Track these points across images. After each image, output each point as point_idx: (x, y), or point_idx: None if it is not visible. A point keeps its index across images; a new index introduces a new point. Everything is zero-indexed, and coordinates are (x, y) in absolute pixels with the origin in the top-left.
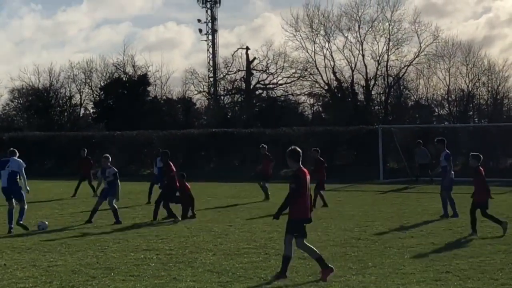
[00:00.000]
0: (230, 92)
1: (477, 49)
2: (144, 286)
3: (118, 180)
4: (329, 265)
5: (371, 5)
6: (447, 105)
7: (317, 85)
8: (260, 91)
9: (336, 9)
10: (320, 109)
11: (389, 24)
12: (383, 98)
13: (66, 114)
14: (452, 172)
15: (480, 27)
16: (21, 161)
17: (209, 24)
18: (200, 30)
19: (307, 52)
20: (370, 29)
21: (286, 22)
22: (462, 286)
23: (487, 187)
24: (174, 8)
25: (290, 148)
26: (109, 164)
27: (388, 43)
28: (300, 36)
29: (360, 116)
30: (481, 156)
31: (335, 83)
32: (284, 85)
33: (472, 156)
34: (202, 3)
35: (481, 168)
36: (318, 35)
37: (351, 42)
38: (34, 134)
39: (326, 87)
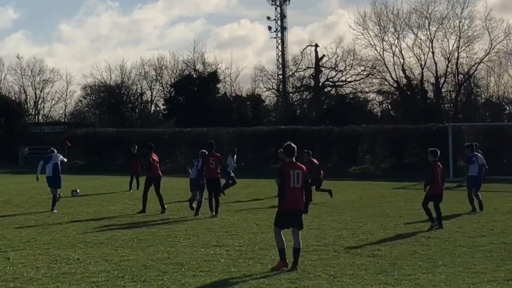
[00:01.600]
0: (298, 89)
1: None
2: (214, 282)
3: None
4: (286, 261)
5: (441, 2)
6: None
7: (386, 83)
8: (329, 88)
9: (406, 6)
10: (389, 106)
11: (460, 21)
12: (453, 95)
13: (137, 110)
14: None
15: None
16: (61, 156)
17: (278, 22)
18: (270, 28)
19: (376, 49)
20: (440, 26)
21: (354, 21)
22: None
23: (443, 181)
24: (248, 5)
25: (285, 144)
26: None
27: (459, 40)
28: (369, 34)
29: (429, 114)
30: (438, 151)
31: (404, 81)
32: (352, 83)
33: (429, 151)
34: (272, 1)
35: (439, 163)
36: (387, 32)
37: (421, 40)
38: (106, 130)
39: (395, 85)
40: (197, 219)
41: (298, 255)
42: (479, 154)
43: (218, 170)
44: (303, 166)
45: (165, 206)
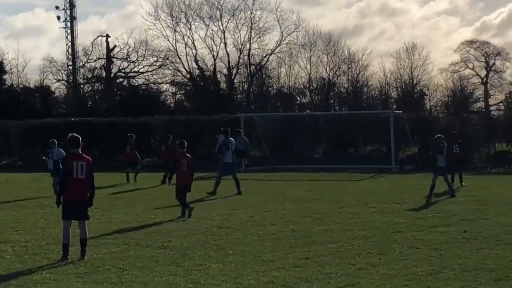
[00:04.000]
0: (90, 81)
1: (338, 39)
2: None
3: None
4: (68, 257)
5: None
6: (308, 93)
7: (179, 74)
8: (121, 79)
9: None
10: (183, 97)
11: (251, 13)
12: (245, 86)
13: None
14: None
15: (351, 16)
16: None
17: (67, 11)
18: (59, 17)
19: (168, 40)
20: (232, 18)
21: (146, 11)
22: (320, 272)
23: (191, 172)
24: None
25: (69, 135)
26: (56, 147)
27: (250, 32)
28: (161, 24)
29: (222, 105)
30: (185, 142)
31: (197, 72)
32: (145, 74)
33: (177, 143)
34: None
35: (186, 154)
36: (179, 23)
37: (213, 31)
38: None
39: (188, 76)
40: None
41: (85, 245)
42: (233, 140)
43: None
44: (89, 158)
45: None
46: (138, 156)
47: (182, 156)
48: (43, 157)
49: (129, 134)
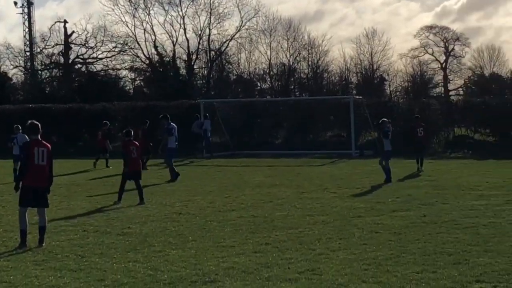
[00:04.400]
0: (47, 67)
1: (298, 24)
2: None
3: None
4: (26, 244)
5: None
6: (268, 79)
7: (138, 60)
8: (80, 65)
9: None
10: (142, 84)
11: None
12: (205, 72)
13: None
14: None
15: (313, 1)
16: None
17: None
18: (16, 3)
19: (127, 26)
20: (191, 3)
21: None
22: (280, 257)
23: (140, 158)
24: None
25: (28, 122)
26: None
27: (210, 18)
28: (120, 10)
29: (182, 91)
30: (131, 131)
31: (156, 58)
32: (104, 60)
33: (123, 132)
34: None
35: (134, 141)
36: (138, 8)
37: (172, 16)
38: None
39: (148, 62)
40: None
41: (43, 233)
42: (175, 126)
43: None
44: (48, 145)
45: None
46: (108, 145)
47: (130, 144)
48: (11, 144)
49: (104, 122)
